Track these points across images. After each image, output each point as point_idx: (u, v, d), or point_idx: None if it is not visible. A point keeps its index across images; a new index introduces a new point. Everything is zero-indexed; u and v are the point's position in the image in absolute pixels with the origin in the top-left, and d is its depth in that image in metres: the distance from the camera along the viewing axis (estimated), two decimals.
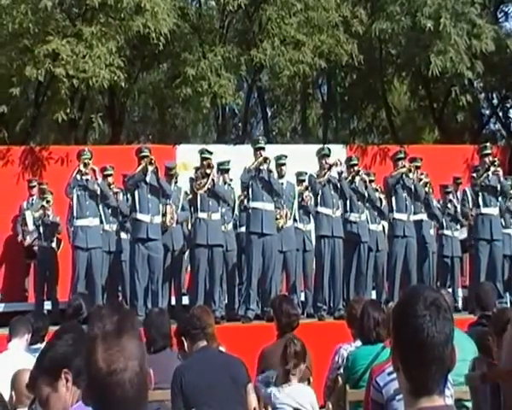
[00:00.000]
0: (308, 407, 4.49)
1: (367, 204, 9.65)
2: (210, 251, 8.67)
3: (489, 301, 5.45)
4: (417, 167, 9.77)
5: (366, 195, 9.48)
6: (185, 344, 4.27)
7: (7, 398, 3.67)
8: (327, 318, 8.81)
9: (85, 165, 8.81)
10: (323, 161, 9.06)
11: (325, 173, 8.98)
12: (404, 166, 9.35)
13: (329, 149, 9.44)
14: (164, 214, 9.10)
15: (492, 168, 9.35)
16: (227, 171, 9.67)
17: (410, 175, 9.34)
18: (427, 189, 9.97)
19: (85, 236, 8.80)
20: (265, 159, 8.62)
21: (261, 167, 8.61)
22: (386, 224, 9.95)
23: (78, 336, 2.50)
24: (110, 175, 9.86)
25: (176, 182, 9.67)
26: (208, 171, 8.65)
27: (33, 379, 2.45)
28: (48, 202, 9.98)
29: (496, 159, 9.73)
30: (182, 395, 3.84)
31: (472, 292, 8.82)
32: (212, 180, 8.66)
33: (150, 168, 8.63)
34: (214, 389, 3.91)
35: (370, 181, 10.01)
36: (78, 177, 8.84)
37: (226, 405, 3.94)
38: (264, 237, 8.62)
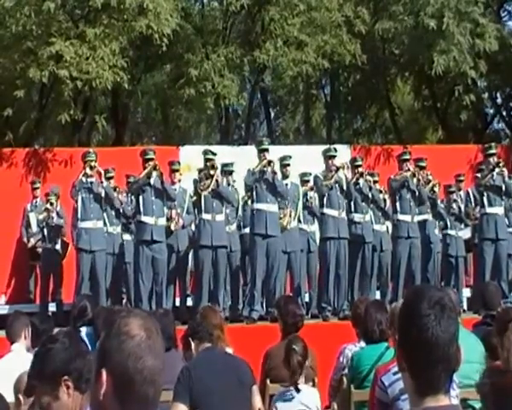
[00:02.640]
0: (313, 409, 4.49)
1: (371, 205, 9.65)
2: (214, 252, 8.67)
3: (494, 300, 5.44)
4: (422, 168, 9.77)
5: (370, 196, 9.47)
6: (192, 345, 4.28)
7: (9, 399, 3.64)
8: (331, 318, 8.80)
9: (91, 168, 8.82)
10: (330, 162, 9.04)
11: (332, 176, 8.95)
12: (409, 170, 9.32)
13: (336, 149, 9.42)
14: (169, 219, 9.10)
15: (497, 169, 9.33)
16: (231, 173, 9.68)
17: (415, 180, 9.31)
18: (436, 188, 9.94)
19: (89, 238, 8.81)
20: (269, 162, 8.62)
21: (265, 169, 8.61)
22: (390, 224, 9.94)
23: (73, 337, 2.46)
24: (112, 177, 9.87)
25: (179, 180, 9.68)
26: (212, 172, 8.66)
27: (32, 387, 2.38)
28: (52, 204, 10.00)
29: (501, 160, 9.70)
30: (189, 392, 3.84)
31: (476, 292, 8.81)
32: (216, 181, 8.67)
33: (155, 173, 8.66)
34: (219, 389, 3.91)
35: (374, 181, 10.01)
36: (84, 179, 8.86)
37: (231, 406, 3.93)
38: (268, 239, 8.62)
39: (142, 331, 1.73)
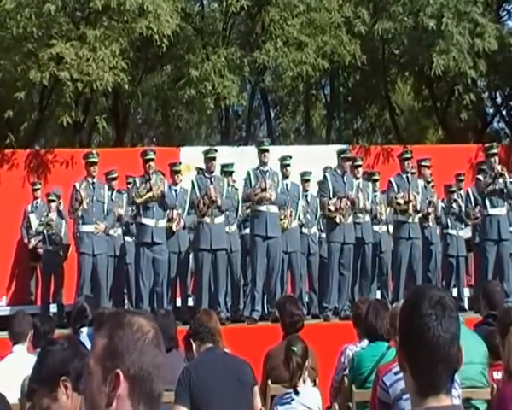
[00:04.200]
0: (314, 409, 4.49)
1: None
2: (213, 255, 8.66)
3: (496, 300, 5.42)
4: (427, 167, 9.77)
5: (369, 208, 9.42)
6: (193, 346, 4.28)
7: (11, 401, 3.63)
8: (332, 318, 8.79)
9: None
10: (346, 165, 8.99)
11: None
12: (404, 203, 9.20)
13: (350, 151, 9.36)
14: (170, 219, 9.09)
15: (501, 179, 9.29)
16: (231, 173, 9.67)
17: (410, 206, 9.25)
18: (434, 198, 9.92)
19: (91, 242, 8.79)
20: (263, 190, 8.58)
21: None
22: (390, 225, 9.94)
23: (73, 340, 2.46)
24: (115, 179, 9.87)
25: (181, 180, 9.66)
26: (210, 205, 8.54)
27: (31, 391, 2.39)
28: (51, 222, 10.03)
29: (504, 169, 9.59)
30: (190, 393, 3.85)
31: (478, 291, 8.80)
32: (216, 204, 8.60)
33: (155, 176, 8.66)
34: (220, 389, 3.92)
35: (375, 181, 10.02)
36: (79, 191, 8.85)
37: (232, 406, 3.94)
38: (268, 240, 8.62)
39: (152, 329, 1.73)
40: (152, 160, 8.74)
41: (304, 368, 4.43)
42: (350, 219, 8.99)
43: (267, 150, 8.79)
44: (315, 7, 13.51)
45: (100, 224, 8.76)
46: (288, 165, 9.47)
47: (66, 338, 2.47)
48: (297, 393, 4.37)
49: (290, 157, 9.57)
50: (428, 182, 9.91)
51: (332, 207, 8.77)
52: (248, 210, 9.27)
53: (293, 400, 4.39)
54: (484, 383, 4.13)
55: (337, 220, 8.77)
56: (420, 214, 9.43)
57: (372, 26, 13.82)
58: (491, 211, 9.35)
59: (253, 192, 8.61)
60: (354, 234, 9.02)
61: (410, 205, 9.06)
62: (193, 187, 8.83)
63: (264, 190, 8.55)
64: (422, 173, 9.79)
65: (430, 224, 9.77)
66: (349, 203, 8.79)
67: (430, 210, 9.58)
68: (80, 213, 8.75)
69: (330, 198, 8.80)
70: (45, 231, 10.09)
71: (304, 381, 4.46)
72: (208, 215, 8.64)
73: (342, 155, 9.06)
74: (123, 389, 1.66)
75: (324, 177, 9.22)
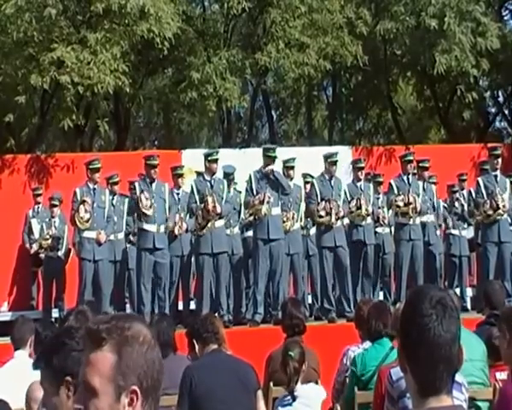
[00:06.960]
0: (315, 407, 4.46)
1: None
2: (215, 258, 8.63)
3: (498, 299, 5.40)
4: (425, 168, 9.75)
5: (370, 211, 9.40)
6: (196, 347, 4.26)
7: (14, 407, 3.61)
8: (337, 320, 8.74)
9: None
10: (333, 169, 8.98)
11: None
12: (404, 205, 9.20)
13: (337, 155, 9.38)
14: (169, 222, 9.05)
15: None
16: (232, 179, 9.63)
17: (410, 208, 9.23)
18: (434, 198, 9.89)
19: (92, 248, 8.76)
20: (261, 202, 8.56)
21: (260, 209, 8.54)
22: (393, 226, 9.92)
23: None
24: (116, 183, 9.84)
25: (183, 184, 9.64)
26: (210, 218, 8.52)
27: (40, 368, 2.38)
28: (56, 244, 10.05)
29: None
30: (190, 396, 3.82)
31: (480, 291, 8.77)
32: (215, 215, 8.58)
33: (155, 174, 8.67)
34: (223, 392, 3.90)
35: (379, 183, 9.98)
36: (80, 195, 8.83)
37: (235, 409, 3.92)
38: (270, 243, 8.59)
39: (149, 333, 1.72)
40: (156, 166, 8.69)
41: (301, 372, 4.40)
42: (339, 223, 8.95)
43: (275, 157, 8.74)
44: (316, 8, 13.51)
45: (101, 233, 8.75)
46: (292, 167, 9.44)
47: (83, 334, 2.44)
48: (294, 398, 4.34)
49: (294, 159, 9.53)
50: (429, 182, 9.87)
51: (322, 213, 8.77)
52: (251, 217, 9.23)
53: (293, 402, 4.37)
54: (485, 381, 4.12)
55: (330, 223, 8.76)
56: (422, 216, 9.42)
57: (374, 27, 13.81)
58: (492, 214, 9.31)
59: (252, 203, 8.59)
60: (345, 236, 9.00)
61: (410, 207, 9.04)
62: (192, 191, 8.80)
63: (261, 202, 8.52)
64: (420, 174, 9.76)
65: (428, 222, 9.74)
66: (338, 204, 8.81)
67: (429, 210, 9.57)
68: (88, 224, 8.70)
69: (318, 203, 8.80)
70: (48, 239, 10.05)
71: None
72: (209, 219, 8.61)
73: (329, 160, 9.07)
74: (138, 404, 1.66)
75: (311, 183, 9.21)
